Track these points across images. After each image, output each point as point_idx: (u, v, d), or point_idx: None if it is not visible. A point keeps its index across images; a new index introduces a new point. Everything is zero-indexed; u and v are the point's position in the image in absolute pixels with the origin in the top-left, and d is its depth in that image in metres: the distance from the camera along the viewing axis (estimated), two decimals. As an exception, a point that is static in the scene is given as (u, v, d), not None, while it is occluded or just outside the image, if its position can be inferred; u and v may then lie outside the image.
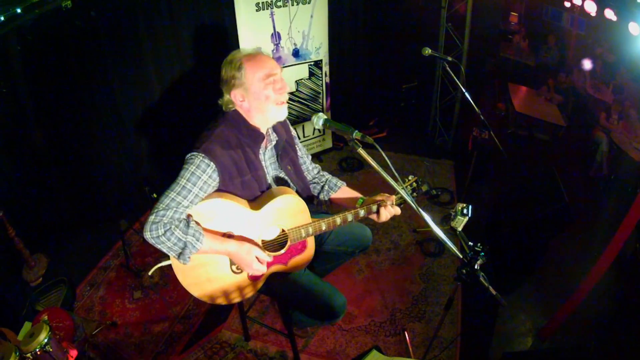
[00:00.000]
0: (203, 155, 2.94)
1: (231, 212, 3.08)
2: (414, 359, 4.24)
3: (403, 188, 2.81)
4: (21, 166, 4.97)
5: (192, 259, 2.98)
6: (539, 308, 4.81)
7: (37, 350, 2.95)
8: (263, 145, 3.30)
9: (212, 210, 3.03)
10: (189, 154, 2.99)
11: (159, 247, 2.88)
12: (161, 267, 5.09)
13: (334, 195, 3.78)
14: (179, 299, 4.90)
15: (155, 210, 2.84)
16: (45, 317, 3.67)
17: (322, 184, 3.83)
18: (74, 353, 3.37)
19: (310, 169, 3.85)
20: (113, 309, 4.85)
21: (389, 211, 3.38)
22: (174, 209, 2.85)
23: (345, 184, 3.85)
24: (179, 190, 2.87)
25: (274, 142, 3.39)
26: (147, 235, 2.83)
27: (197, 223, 2.97)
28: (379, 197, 3.44)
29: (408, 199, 2.74)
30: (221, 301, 3.30)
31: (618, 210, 4.31)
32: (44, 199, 5.28)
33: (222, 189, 3.09)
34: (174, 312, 4.78)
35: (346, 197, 3.75)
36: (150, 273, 3.44)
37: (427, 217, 2.68)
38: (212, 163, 2.95)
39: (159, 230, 2.81)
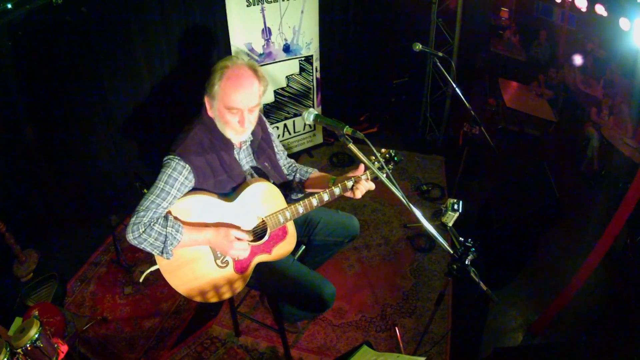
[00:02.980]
0: (179, 158, 3.03)
1: (206, 206, 3.14)
2: (404, 354, 4.25)
3: (394, 184, 2.79)
4: (11, 161, 4.95)
5: (177, 258, 3.04)
6: (530, 303, 4.83)
7: (28, 345, 2.94)
8: (237, 146, 3.31)
9: (187, 207, 3.08)
10: (166, 157, 3.09)
11: (142, 246, 2.94)
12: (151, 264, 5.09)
13: (306, 182, 3.79)
14: (170, 295, 4.89)
15: (136, 213, 2.95)
16: (36, 313, 3.66)
17: (294, 174, 3.85)
18: (64, 348, 3.37)
19: (285, 164, 3.86)
20: (104, 304, 4.84)
21: (364, 186, 3.38)
22: (154, 210, 2.95)
23: (316, 170, 3.86)
24: (157, 193, 2.97)
25: (248, 142, 3.39)
26: (130, 236, 2.92)
27: (176, 218, 3.02)
28: (351, 174, 3.45)
29: (399, 194, 2.72)
30: (212, 298, 3.31)
31: (609, 205, 4.33)
32: (34, 194, 5.27)
33: (197, 187, 3.14)
34: (164, 307, 4.78)
35: (318, 179, 3.73)
36: (141, 280, 3.45)
37: (418, 213, 2.68)
38: (187, 165, 3.04)
39: (139, 230, 2.90)
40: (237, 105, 3.02)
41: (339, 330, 4.57)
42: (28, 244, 5.22)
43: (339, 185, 3.38)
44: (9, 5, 4.24)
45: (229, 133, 3.16)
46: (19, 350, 2.94)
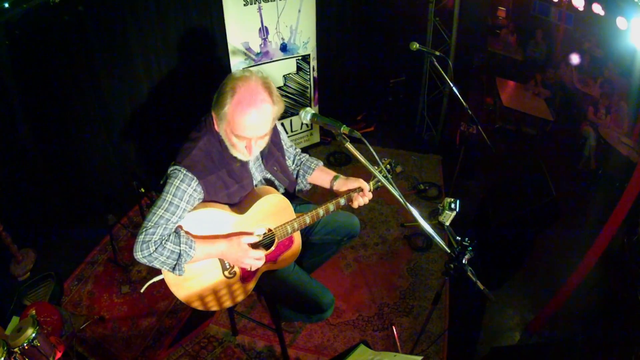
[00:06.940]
0: (186, 170, 2.90)
1: (216, 219, 3.07)
2: (401, 353, 4.25)
3: (392, 185, 2.78)
4: (8, 160, 4.94)
5: (186, 272, 2.97)
6: (526, 302, 4.83)
7: (25, 344, 2.94)
8: None
9: (196, 221, 3.01)
10: (172, 168, 2.95)
11: (152, 264, 2.84)
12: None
13: (309, 178, 3.76)
14: (167, 294, 4.87)
15: (144, 230, 2.80)
16: (33, 312, 3.66)
17: (297, 168, 3.79)
18: (61, 348, 3.37)
19: (290, 155, 3.77)
20: (101, 303, 4.84)
21: (364, 200, 3.47)
22: (163, 225, 2.82)
23: (321, 163, 3.80)
24: (166, 207, 2.83)
25: None
26: (139, 255, 2.79)
27: (187, 232, 2.95)
28: (356, 182, 3.50)
29: (397, 194, 2.71)
30: (214, 307, 3.30)
31: (606, 204, 4.32)
32: (31, 193, 5.26)
33: (206, 199, 3.05)
34: (161, 306, 4.78)
35: (321, 175, 3.73)
36: (142, 290, 3.42)
37: (415, 212, 2.68)
38: (195, 177, 2.91)
39: (150, 249, 2.77)
40: (245, 135, 2.87)
41: (336, 329, 4.57)
42: (25, 243, 5.22)
43: (345, 196, 3.45)
44: (6, 5, 4.23)
45: (234, 153, 3.02)
46: (16, 350, 2.94)
